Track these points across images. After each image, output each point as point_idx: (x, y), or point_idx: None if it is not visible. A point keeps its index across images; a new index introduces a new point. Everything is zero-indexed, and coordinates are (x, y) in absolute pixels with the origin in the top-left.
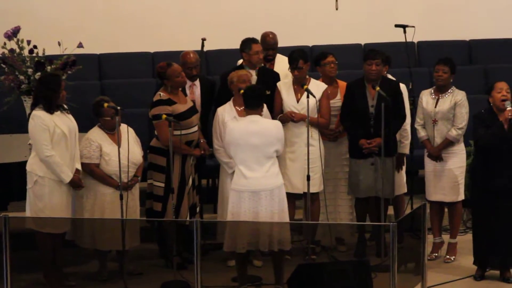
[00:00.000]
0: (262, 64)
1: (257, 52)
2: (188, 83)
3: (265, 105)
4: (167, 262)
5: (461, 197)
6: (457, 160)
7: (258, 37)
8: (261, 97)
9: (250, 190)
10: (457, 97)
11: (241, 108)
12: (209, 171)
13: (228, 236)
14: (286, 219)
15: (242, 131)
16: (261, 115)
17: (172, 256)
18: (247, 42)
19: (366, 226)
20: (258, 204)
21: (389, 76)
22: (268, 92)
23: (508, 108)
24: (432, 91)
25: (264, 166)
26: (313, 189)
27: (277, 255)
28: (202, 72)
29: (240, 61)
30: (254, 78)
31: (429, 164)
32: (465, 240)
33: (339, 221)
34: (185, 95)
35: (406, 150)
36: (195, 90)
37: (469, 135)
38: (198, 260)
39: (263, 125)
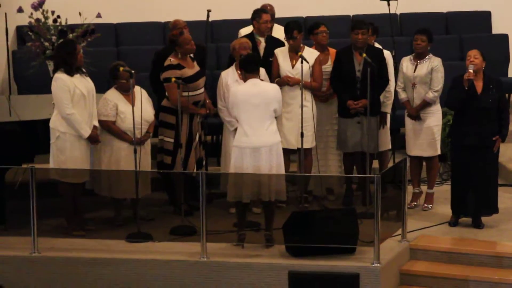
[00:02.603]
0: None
1: (266, 21)
2: None
3: (264, 70)
4: (175, 209)
5: (437, 152)
6: (434, 119)
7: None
8: (256, 63)
9: (251, 147)
10: (433, 63)
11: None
12: (214, 128)
13: (232, 187)
14: (283, 172)
15: (244, 93)
16: (259, 78)
17: (180, 203)
18: (258, 12)
19: (353, 178)
20: (258, 159)
21: (377, 45)
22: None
23: (470, 71)
24: (412, 57)
25: (264, 125)
26: (306, 145)
27: (270, 204)
28: (207, 40)
29: (244, 30)
30: (263, 45)
31: (408, 122)
32: (441, 191)
33: (329, 173)
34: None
35: (388, 109)
36: None
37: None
38: (203, 207)
39: (263, 87)
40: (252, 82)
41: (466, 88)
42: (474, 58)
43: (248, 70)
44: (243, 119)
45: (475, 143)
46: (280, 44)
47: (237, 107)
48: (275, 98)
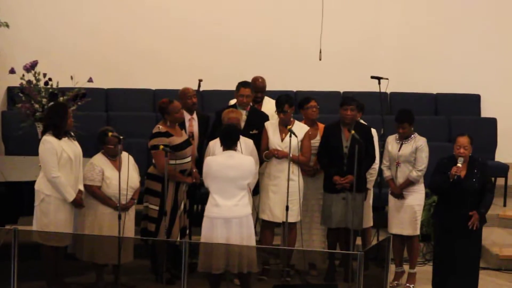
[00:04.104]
0: (250, 106)
1: (243, 95)
2: (188, 116)
3: (251, 141)
4: (157, 277)
5: (417, 232)
6: (416, 198)
7: (249, 80)
8: (235, 139)
9: (223, 217)
10: (418, 143)
11: None
12: (201, 197)
13: (202, 258)
14: (253, 244)
15: (220, 164)
16: (235, 150)
17: (162, 272)
18: (238, 85)
19: (336, 254)
20: (229, 231)
21: (361, 121)
22: (255, 131)
23: (458, 165)
24: (397, 136)
25: (237, 196)
26: (291, 219)
27: (245, 277)
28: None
29: (233, 101)
30: (244, 118)
31: (391, 200)
32: (424, 271)
33: (312, 248)
34: (184, 128)
35: (370, 186)
36: (193, 123)
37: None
38: (185, 276)
39: (238, 160)
40: (228, 154)
41: (451, 180)
42: (464, 149)
43: (226, 145)
44: (215, 190)
45: (457, 226)
46: (262, 116)
47: (210, 178)
48: (250, 171)
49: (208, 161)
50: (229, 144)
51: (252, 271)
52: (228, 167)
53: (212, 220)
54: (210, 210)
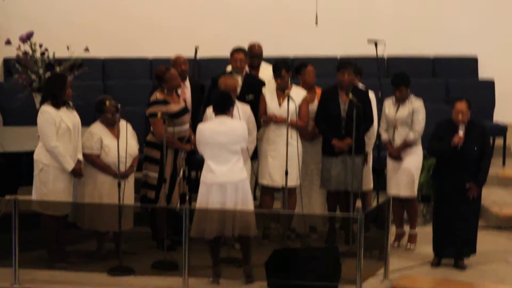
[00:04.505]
0: (245, 72)
1: (236, 60)
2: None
3: (249, 107)
4: (158, 244)
5: (414, 193)
6: (414, 159)
7: (246, 47)
8: (227, 104)
9: (218, 183)
10: (414, 105)
11: None
12: (199, 163)
13: (195, 223)
14: (251, 208)
15: (211, 131)
16: (228, 116)
17: (163, 238)
18: (231, 51)
19: (336, 217)
20: (224, 196)
21: (360, 85)
22: (251, 97)
23: (460, 134)
24: (394, 99)
25: (231, 161)
26: (290, 184)
27: (246, 239)
28: (194, 76)
29: (230, 67)
30: (239, 83)
31: (389, 162)
32: (424, 231)
33: (312, 211)
34: (177, 95)
35: (370, 149)
36: (185, 91)
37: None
38: (186, 242)
39: (230, 125)
40: (220, 120)
41: (457, 146)
42: (463, 114)
43: (218, 111)
44: (209, 156)
45: (456, 189)
46: (257, 82)
47: (203, 144)
48: (241, 136)
49: (200, 127)
50: (221, 109)
51: (249, 235)
52: (220, 133)
53: (208, 186)
54: (205, 176)
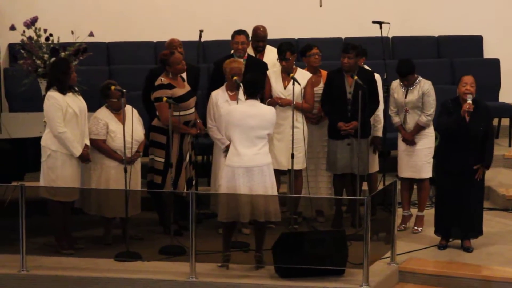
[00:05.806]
0: (247, 54)
1: (237, 42)
2: None
3: None
4: (165, 229)
5: (429, 174)
6: (427, 141)
7: (250, 30)
8: (259, 87)
9: (244, 166)
10: (424, 87)
11: (233, 93)
12: (204, 148)
13: (224, 207)
14: (276, 193)
15: (242, 113)
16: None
17: (170, 223)
18: (232, 33)
19: (343, 200)
20: (251, 179)
21: (366, 67)
22: None
23: (468, 102)
24: (401, 82)
25: (258, 145)
26: (296, 167)
27: (262, 226)
28: (199, 60)
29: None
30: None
31: (401, 145)
32: (432, 214)
33: (319, 195)
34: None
35: (380, 133)
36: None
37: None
38: (193, 227)
39: (260, 109)
40: (250, 103)
41: (467, 117)
42: (471, 86)
43: (249, 94)
44: (237, 139)
45: (460, 169)
46: (261, 64)
47: (232, 126)
48: (271, 121)
49: (231, 109)
50: (252, 92)
51: (276, 219)
52: (250, 116)
53: (234, 169)
54: (231, 159)
